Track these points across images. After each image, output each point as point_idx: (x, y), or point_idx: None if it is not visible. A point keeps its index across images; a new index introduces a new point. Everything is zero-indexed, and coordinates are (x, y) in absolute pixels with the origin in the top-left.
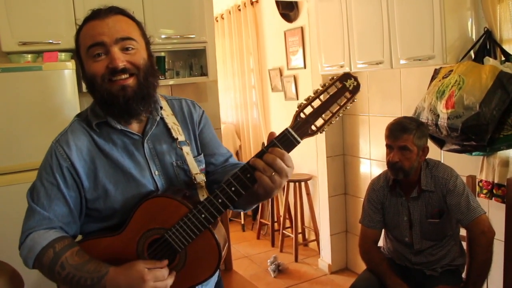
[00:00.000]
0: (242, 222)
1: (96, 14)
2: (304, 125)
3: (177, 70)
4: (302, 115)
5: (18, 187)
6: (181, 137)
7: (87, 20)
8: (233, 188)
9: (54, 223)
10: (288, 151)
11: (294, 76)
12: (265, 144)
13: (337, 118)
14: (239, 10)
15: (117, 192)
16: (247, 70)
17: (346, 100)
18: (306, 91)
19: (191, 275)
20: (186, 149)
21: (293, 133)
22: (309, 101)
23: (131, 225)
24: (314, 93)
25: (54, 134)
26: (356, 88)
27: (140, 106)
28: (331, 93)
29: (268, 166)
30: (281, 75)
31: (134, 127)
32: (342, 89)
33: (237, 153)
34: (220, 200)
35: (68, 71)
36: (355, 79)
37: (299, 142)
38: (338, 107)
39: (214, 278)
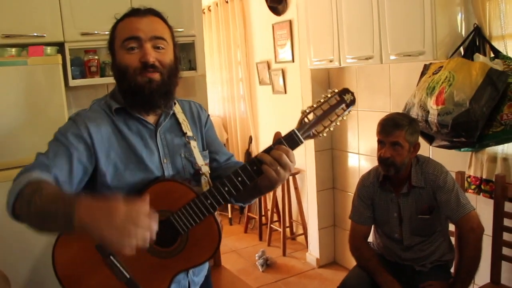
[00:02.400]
0: (230, 216)
1: (135, 12)
2: (307, 128)
3: None
4: (306, 120)
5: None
6: (190, 133)
7: (126, 16)
8: (239, 178)
9: (50, 170)
10: (293, 149)
11: (282, 70)
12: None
13: (335, 126)
14: (227, 2)
15: (126, 172)
16: (234, 63)
17: (343, 111)
18: (294, 85)
19: (190, 258)
20: (193, 143)
21: (298, 134)
22: (313, 109)
23: None
24: (317, 103)
25: (40, 131)
26: (352, 101)
27: (162, 100)
28: (331, 104)
29: (274, 160)
30: (269, 68)
31: (150, 117)
32: (341, 101)
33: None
34: (226, 188)
35: (54, 65)
36: (352, 94)
37: (302, 142)
38: (336, 116)
39: (205, 271)
